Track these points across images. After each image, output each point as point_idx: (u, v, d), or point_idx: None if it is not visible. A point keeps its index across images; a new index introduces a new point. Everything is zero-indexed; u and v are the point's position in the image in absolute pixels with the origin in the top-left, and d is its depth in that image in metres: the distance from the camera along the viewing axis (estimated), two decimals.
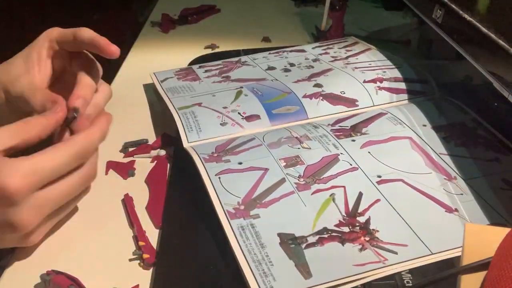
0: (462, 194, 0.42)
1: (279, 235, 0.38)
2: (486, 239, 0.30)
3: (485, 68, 0.41)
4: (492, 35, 0.40)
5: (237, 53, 0.70)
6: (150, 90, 0.64)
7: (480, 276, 0.28)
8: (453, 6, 0.46)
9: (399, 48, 0.68)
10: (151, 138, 0.54)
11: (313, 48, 0.69)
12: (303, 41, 0.78)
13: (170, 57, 0.74)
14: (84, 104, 0.40)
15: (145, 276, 0.37)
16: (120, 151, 0.52)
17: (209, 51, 0.75)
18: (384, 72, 0.60)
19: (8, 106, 0.43)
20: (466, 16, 0.44)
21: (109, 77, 0.69)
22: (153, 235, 0.41)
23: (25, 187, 0.33)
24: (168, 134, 0.54)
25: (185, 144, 0.49)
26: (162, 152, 0.51)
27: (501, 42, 0.39)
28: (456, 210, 0.40)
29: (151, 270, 0.38)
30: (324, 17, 0.75)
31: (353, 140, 0.48)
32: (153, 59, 0.74)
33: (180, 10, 0.90)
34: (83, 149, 0.37)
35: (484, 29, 0.41)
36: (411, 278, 0.35)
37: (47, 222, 0.38)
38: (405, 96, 0.57)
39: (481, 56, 0.42)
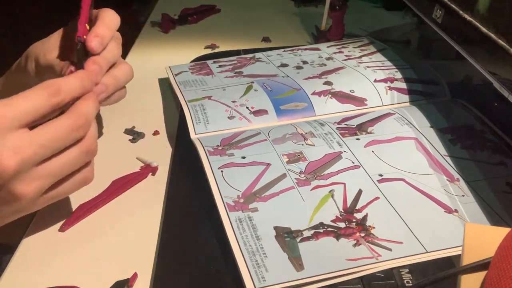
0: (463, 195, 0.42)
1: (275, 228, 0.38)
2: (486, 239, 0.30)
3: (485, 68, 0.41)
4: (492, 35, 0.40)
5: (237, 53, 0.70)
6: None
7: (480, 276, 0.28)
8: (453, 6, 0.46)
9: (399, 48, 0.68)
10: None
11: (327, 47, 0.69)
12: (303, 41, 0.78)
13: (170, 57, 0.73)
14: (99, 43, 0.41)
15: (146, 276, 0.37)
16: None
17: (209, 51, 0.75)
18: (396, 72, 0.59)
19: (38, 77, 0.46)
20: (466, 16, 0.44)
21: None
22: (152, 236, 0.41)
23: (18, 161, 0.33)
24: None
25: (192, 136, 0.50)
26: (155, 163, 0.49)
27: (501, 42, 0.38)
28: (455, 210, 0.40)
29: (151, 270, 0.38)
30: (324, 17, 0.74)
31: (358, 139, 0.48)
32: (153, 59, 0.74)
33: (180, 10, 0.90)
34: (78, 118, 0.36)
35: (484, 29, 0.41)
36: (411, 278, 0.35)
37: (50, 192, 0.37)
38: (415, 97, 0.57)
39: (481, 56, 0.42)
